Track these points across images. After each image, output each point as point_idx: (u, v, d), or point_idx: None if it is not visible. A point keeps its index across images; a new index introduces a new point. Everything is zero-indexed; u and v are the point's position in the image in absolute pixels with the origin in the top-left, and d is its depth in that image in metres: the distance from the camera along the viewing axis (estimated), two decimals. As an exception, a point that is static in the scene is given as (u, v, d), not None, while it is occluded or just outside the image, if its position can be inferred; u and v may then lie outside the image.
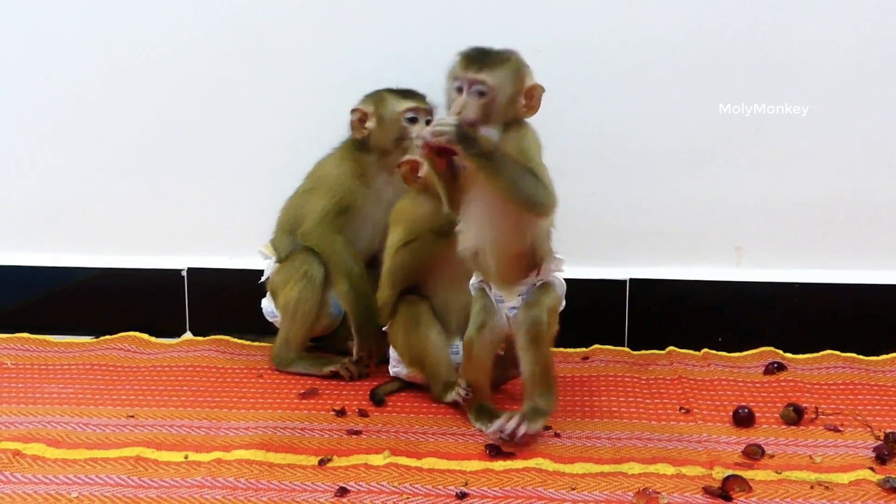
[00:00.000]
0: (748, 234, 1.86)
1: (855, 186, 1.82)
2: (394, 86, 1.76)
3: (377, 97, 1.74)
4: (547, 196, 1.43)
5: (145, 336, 1.92)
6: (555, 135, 1.82)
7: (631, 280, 1.86)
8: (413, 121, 1.72)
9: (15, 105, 1.97)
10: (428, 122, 1.68)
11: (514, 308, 1.47)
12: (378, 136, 1.73)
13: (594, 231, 1.87)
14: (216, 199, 1.95)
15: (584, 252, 1.83)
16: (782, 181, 1.83)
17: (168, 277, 1.95)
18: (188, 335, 1.95)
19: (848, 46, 1.77)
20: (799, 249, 1.85)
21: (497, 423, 1.42)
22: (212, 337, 1.92)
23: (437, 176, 1.43)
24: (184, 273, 1.95)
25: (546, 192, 1.42)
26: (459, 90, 1.39)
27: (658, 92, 1.82)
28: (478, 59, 1.40)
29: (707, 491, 1.26)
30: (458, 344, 1.58)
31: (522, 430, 1.40)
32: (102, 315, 1.97)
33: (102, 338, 1.93)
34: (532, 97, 1.43)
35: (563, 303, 1.55)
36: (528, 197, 1.40)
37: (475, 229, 1.44)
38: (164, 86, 1.92)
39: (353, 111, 1.74)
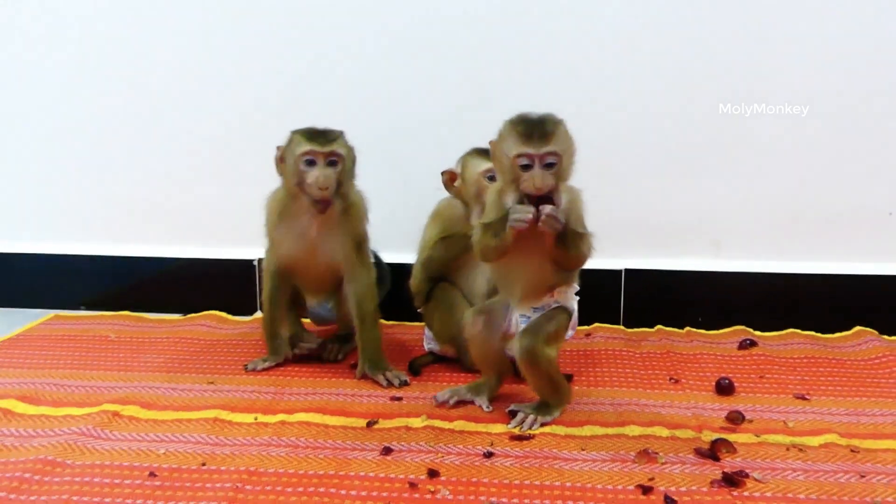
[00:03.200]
0: (725, 230, 1.77)
1: (817, 190, 1.74)
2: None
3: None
4: (591, 254, 1.29)
5: (223, 314, 1.85)
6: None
7: (626, 269, 1.78)
8: (310, 163, 1.40)
9: (118, 120, 1.91)
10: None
11: (524, 316, 1.30)
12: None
13: (594, 227, 1.73)
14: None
15: (587, 246, 1.78)
16: (755, 185, 1.75)
17: (242, 266, 1.89)
18: (259, 314, 1.87)
19: (816, 59, 1.68)
20: (768, 244, 1.76)
21: (515, 420, 1.28)
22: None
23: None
24: (255, 262, 1.88)
25: (591, 251, 1.29)
26: (525, 167, 1.20)
27: (647, 109, 1.73)
28: (538, 131, 1.20)
29: (698, 452, 1.18)
30: None
31: (536, 425, 1.27)
32: (189, 296, 1.91)
33: (188, 315, 1.86)
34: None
35: (571, 330, 1.37)
36: (581, 260, 1.28)
37: (512, 274, 1.29)
38: (244, 98, 1.85)
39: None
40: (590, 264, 1.75)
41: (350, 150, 1.45)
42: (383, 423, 1.29)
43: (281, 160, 1.45)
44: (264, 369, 1.55)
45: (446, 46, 1.77)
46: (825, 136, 1.70)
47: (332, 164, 1.41)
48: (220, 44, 1.84)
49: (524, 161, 1.20)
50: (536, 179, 1.19)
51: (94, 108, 1.91)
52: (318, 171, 1.39)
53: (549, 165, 1.21)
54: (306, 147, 1.40)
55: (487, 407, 1.34)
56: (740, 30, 1.68)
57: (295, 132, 1.44)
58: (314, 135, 1.41)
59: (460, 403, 1.35)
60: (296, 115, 1.75)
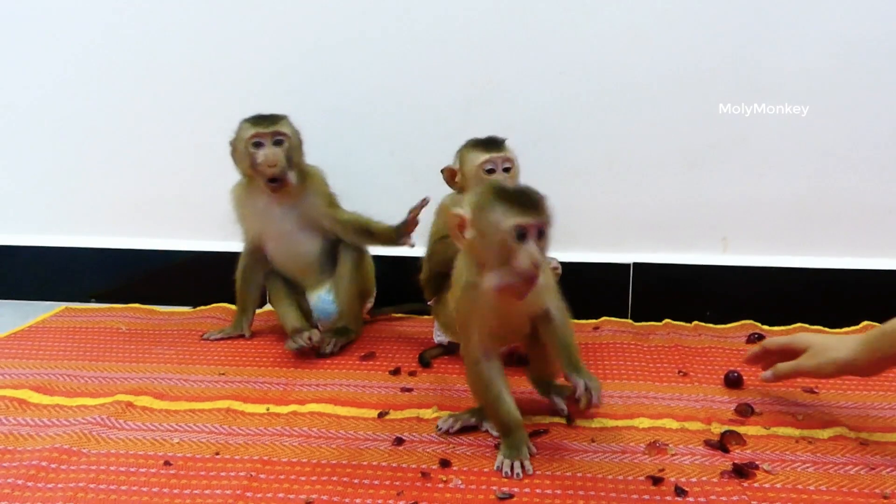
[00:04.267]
0: (733, 226, 1.77)
1: (823, 187, 1.74)
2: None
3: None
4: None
5: (233, 307, 1.84)
6: (572, 142, 1.78)
7: (634, 263, 1.79)
8: (258, 145, 1.52)
9: (127, 114, 1.92)
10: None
11: None
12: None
13: (604, 222, 1.80)
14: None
15: (596, 240, 1.80)
16: (762, 182, 1.75)
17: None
18: (268, 307, 1.88)
19: (821, 60, 1.68)
20: (775, 239, 1.77)
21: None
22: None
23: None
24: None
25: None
26: (522, 237, 1.08)
27: (657, 109, 1.74)
28: (536, 203, 1.09)
29: (707, 444, 1.18)
30: None
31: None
32: (199, 289, 1.92)
33: (198, 308, 1.88)
34: None
35: None
36: None
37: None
38: (253, 92, 1.83)
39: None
40: (599, 258, 1.79)
41: (295, 131, 1.57)
42: (394, 414, 1.30)
43: (234, 150, 1.56)
44: (217, 339, 1.66)
45: (454, 40, 1.77)
46: (832, 131, 1.70)
47: (278, 143, 1.53)
48: (225, 37, 1.84)
49: (520, 231, 1.07)
50: (533, 253, 1.07)
51: (103, 101, 1.92)
52: (266, 150, 1.51)
53: (543, 234, 1.10)
54: (252, 131, 1.52)
55: (494, 430, 1.22)
56: (743, 26, 1.68)
57: (242, 120, 1.56)
58: (259, 119, 1.54)
59: (464, 430, 1.24)
60: (303, 108, 1.76)
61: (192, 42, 1.86)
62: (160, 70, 1.88)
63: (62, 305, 1.91)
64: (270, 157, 1.51)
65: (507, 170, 1.45)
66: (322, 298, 1.66)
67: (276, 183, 1.53)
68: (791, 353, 1.28)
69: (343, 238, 1.64)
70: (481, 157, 1.45)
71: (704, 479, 1.08)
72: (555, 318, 1.21)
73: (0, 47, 1.92)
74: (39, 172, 1.99)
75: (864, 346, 1.17)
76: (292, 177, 1.55)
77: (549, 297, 1.21)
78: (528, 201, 1.09)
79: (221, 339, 1.67)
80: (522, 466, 1.10)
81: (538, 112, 1.77)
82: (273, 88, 1.84)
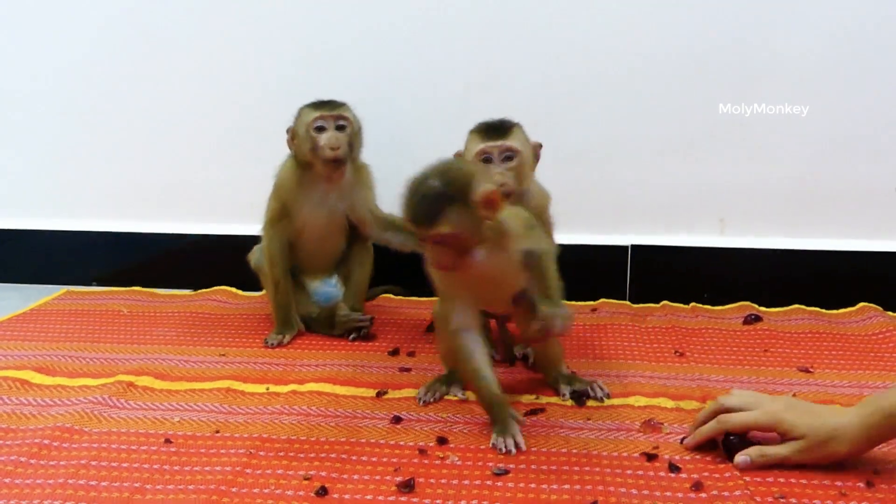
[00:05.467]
0: (730, 209, 1.78)
1: (819, 171, 1.74)
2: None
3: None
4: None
5: (233, 289, 1.87)
6: (570, 126, 1.78)
7: (632, 246, 1.79)
8: (320, 129, 1.51)
9: (130, 98, 1.93)
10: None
11: None
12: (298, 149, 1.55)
13: (602, 205, 1.80)
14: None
15: (594, 222, 1.80)
16: (759, 164, 1.75)
17: (252, 242, 1.86)
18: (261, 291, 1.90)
19: (815, 52, 1.68)
20: (772, 221, 1.77)
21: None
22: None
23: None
24: (265, 239, 1.90)
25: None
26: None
27: (655, 92, 1.74)
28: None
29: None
30: None
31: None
32: (200, 272, 1.93)
33: (199, 291, 1.89)
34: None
35: None
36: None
37: None
38: (256, 79, 1.87)
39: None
40: (597, 240, 1.80)
41: (356, 118, 1.57)
42: (392, 394, 1.32)
43: (293, 137, 1.55)
44: (284, 344, 1.56)
45: (452, 25, 1.77)
46: (830, 112, 1.70)
47: (340, 128, 1.53)
48: (231, 24, 1.84)
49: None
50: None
51: (105, 85, 1.92)
52: (329, 134, 1.51)
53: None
54: (315, 114, 1.52)
55: (463, 394, 1.28)
56: (744, 31, 1.68)
57: (303, 106, 1.56)
58: (321, 104, 1.54)
59: (442, 398, 1.28)
60: (304, 97, 1.77)
61: (197, 30, 1.86)
62: (165, 55, 1.88)
63: (64, 289, 1.92)
64: (333, 141, 1.50)
65: (508, 158, 1.30)
66: (327, 282, 1.66)
67: (335, 164, 1.51)
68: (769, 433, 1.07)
69: (372, 233, 1.64)
70: (479, 145, 1.32)
71: (698, 456, 1.09)
72: (536, 256, 1.16)
73: (6, 31, 1.93)
74: (41, 157, 1.99)
75: (863, 433, 1.01)
76: (348, 168, 1.56)
77: (527, 241, 1.16)
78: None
79: (289, 342, 1.57)
80: (515, 442, 1.11)
81: (536, 96, 1.77)
82: (272, 76, 1.86)
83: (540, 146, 1.36)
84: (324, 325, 1.62)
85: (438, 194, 1.04)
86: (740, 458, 1.05)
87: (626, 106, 1.75)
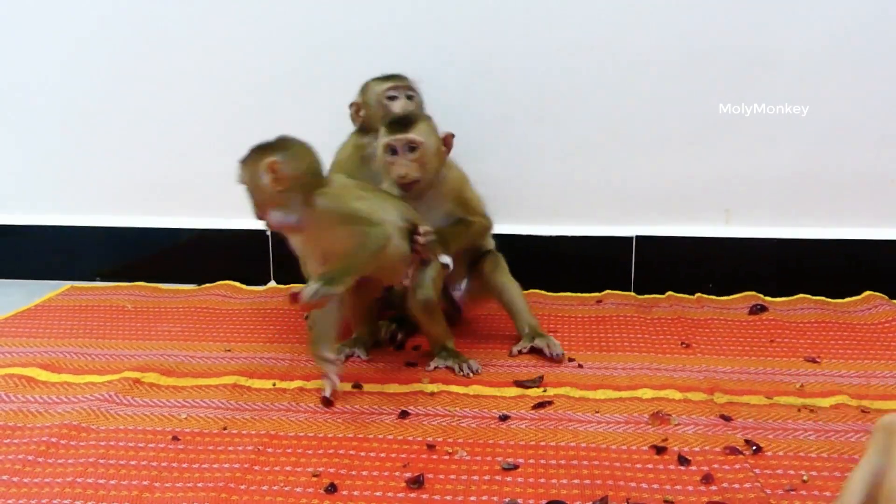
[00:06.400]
0: (735, 199, 1.76)
1: (824, 160, 1.73)
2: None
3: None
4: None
5: (238, 284, 1.87)
6: (574, 117, 1.77)
7: (637, 237, 1.78)
8: (392, 98, 1.58)
9: (133, 93, 1.91)
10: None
11: None
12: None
13: (607, 196, 1.79)
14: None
15: (599, 214, 1.79)
16: (764, 155, 1.74)
17: (256, 236, 1.89)
18: (273, 283, 1.90)
19: (819, 43, 1.67)
20: (777, 211, 1.76)
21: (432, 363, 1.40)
22: (292, 285, 1.85)
23: None
24: (268, 233, 1.88)
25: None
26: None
27: (659, 82, 1.72)
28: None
29: (710, 413, 1.18)
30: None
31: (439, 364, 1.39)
32: (204, 267, 1.92)
33: (203, 285, 1.88)
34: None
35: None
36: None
37: None
38: (257, 71, 1.85)
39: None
40: (601, 231, 1.79)
41: (419, 92, 1.63)
42: (399, 388, 1.31)
43: (358, 110, 1.61)
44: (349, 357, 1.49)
45: (454, 16, 1.75)
46: (834, 102, 1.69)
47: (409, 97, 1.59)
48: (234, 17, 1.83)
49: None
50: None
51: (108, 80, 1.91)
52: (402, 101, 1.57)
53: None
54: (388, 84, 1.58)
55: (366, 355, 1.44)
56: (748, 26, 1.67)
57: (370, 80, 1.61)
58: (391, 76, 1.60)
59: (348, 358, 1.43)
60: (306, 89, 1.77)
61: (198, 25, 1.84)
62: (166, 50, 1.86)
63: (68, 284, 1.92)
64: (408, 107, 1.56)
65: (411, 150, 1.40)
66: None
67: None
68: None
69: None
70: (384, 138, 1.43)
71: (707, 448, 1.09)
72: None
73: (8, 26, 1.91)
74: (44, 152, 1.98)
75: None
76: None
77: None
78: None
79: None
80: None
81: (539, 87, 1.76)
82: (274, 70, 1.84)
83: (451, 136, 1.44)
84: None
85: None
86: None
87: (629, 97, 1.74)
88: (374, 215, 1.28)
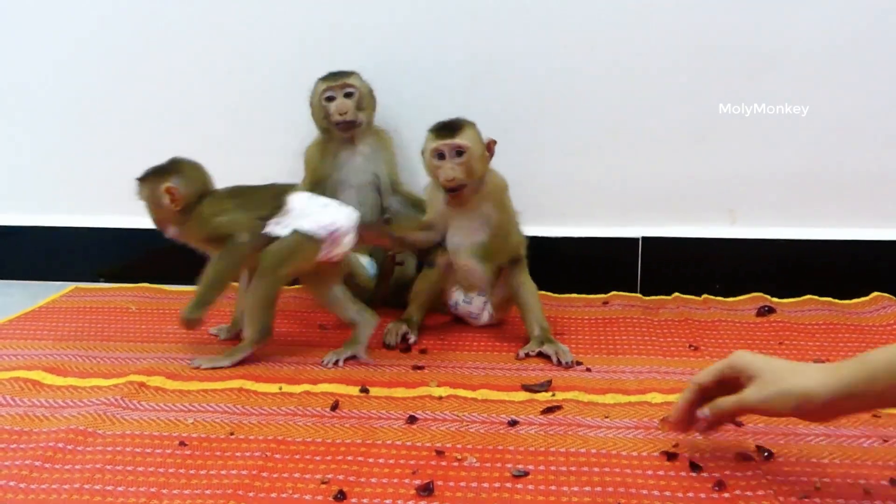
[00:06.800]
0: (741, 199, 1.75)
1: (829, 159, 1.72)
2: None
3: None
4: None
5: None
6: (577, 117, 1.76)
7: (643, 238, 1.77)
8: (330, 99, 1.64)
9: (136, 92, 1.90)
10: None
11: None
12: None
13: (611, 197, 1.78)
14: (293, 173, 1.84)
15: (604, 215, 1.78)
16: (769, 155, 1.72)
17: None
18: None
19: (822, 42, 1.66)
20: (782, 211, 1.75)
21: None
22: (296, 287, 1.83)
23: None
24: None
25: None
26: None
27: (663, 81, 1.71)
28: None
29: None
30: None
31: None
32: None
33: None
34: None
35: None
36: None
37: None
38: (262, 69, 1.84)
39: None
40: (607, 233, 1.78)
41: (364, 83, 1.67)
42: (406, 392, 1.30)
43: (312, 110, 1.68)
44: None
45: (455, 14, 1.74)
46: (839, 100, 1.68)
47: (348, 95, 1.64)
48: (235, 16, 1.81)
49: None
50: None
51: (111, 79, 1.89)
52: (338, 101, 1.63)
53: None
54: (324, 86, 1.64)
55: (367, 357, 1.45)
56: (753, 24, 1.66)
57: (316, 80, 1.67)
58: (329, 76, 1.65)
59: (347, 360, 1.44)
60: (308, 89, 1.74)
61: (200, 24, 1.83)
62: (170, 49, 1.85)
63: (71, 285, 1.91)
64: (341, 106, 1.63)
65: (458, 154, 1.44)
66: (363, 259, 1.62)
67: (347, 125, 1.64)
68: (733, 383, 0.98)
69: (389, 203, 1.73)
70: (432, 143, 1.46)
71: (719, 454, 1.08)
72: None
73: (11, 25, 1.90)
74: (45, 151, 1.97)
75: (833, 378, 0.88)
76: (365, 129, 1.68)
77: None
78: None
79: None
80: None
81: (541, 86, 1.74)
82: (273, 71, 1.82)
83: (494, 142, 1.49)
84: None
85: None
86: (699, 413, 1.01)
87: (634, 97, 1.72)
88: (232, 227, 1.41)
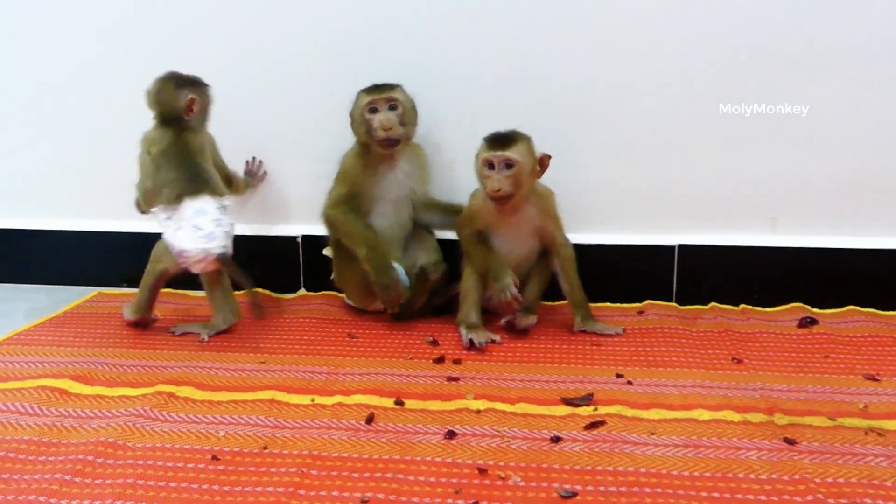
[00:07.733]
0: (782, 206, 1.70)
1: (873, 166, 1.66)
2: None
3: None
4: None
5: (268, 292, 1.82)
6: (612, 120, 1.71)
7: (679, 245, 1.72)
8: (373, 111, 1.58)
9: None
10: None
11: None
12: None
13: (647, 203, 1.73)
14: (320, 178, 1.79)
15: (640, 222, 1.74)
16: (811, 160, 1.67)
17: (286, 242, 1.86)
18: (303, 291, 1.85)
19: (865, 44, 1.60)
20: (826, 219, 1.69)
21: None
22: (322, 293, 1.81)
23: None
24: (298, 239, 1.85)
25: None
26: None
27: (702, 84, 1.66)
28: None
29: (772, 436, 1.13)
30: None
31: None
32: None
33: (234, 293, 1.82)
34: None
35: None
36: None
37: None
38: (281, 71, 1.80)
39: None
40: (642, 240, 1.73)
41: (408, 97, 1.63)
42: (442, 405, 1.26)
43: (352, 121, 1.62)
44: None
45: (490, 15, 1.70)
46: (883, 108, 1.63)
47: (392, 108, 1.59)
48: (249, 18, 1.78)
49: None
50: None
51: (135, 83, 1.84)
52: (382, 115, 1.58)
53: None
54: (368, 98, 1.58)
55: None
56: (789, 27, 1.61)
57: (359, 91, 1.61)
58: (373, 88, 1.60)
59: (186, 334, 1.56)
60: (333, 90, 1.71)
61: (217, 27, 1.80)
62: (188, 54, 1.81)
63: (95, 290, 1.88)
64: (385, 121, 1.56)
65: (508, 167, 1.47)
66: (398, 269, 1.61)
67: (391, 143, 1.58)
68: None
69: (421, 216, 1.70)
70: (483, 154, 1.50)
71: (775, 476, 1.03)
72: None
73: (39, 31, 1.88)
74: (68, 156, 1.94)
75: None
76: (404, 145, 1.62)
77: None
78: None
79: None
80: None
81: (577, 89, 1.70)
82: (289, 74, 1.79)
83: (548, 157, 1.51)
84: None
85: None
86: None
87: (673, 103, 1.68)
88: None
